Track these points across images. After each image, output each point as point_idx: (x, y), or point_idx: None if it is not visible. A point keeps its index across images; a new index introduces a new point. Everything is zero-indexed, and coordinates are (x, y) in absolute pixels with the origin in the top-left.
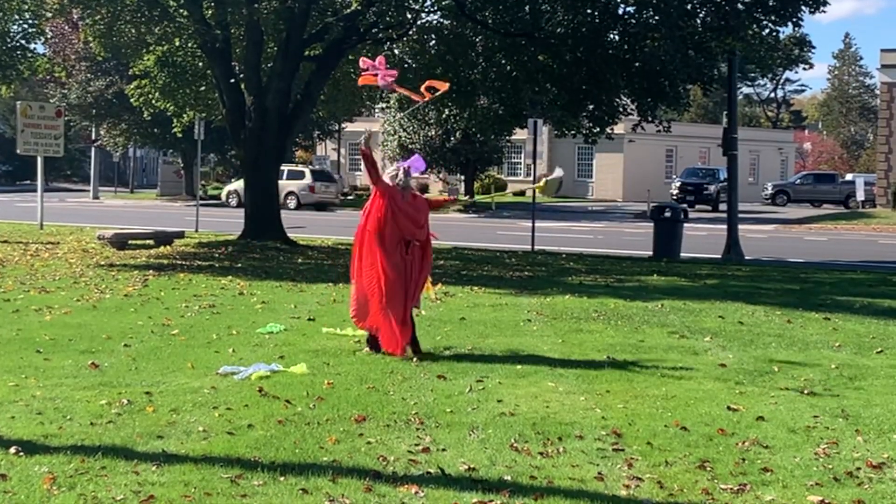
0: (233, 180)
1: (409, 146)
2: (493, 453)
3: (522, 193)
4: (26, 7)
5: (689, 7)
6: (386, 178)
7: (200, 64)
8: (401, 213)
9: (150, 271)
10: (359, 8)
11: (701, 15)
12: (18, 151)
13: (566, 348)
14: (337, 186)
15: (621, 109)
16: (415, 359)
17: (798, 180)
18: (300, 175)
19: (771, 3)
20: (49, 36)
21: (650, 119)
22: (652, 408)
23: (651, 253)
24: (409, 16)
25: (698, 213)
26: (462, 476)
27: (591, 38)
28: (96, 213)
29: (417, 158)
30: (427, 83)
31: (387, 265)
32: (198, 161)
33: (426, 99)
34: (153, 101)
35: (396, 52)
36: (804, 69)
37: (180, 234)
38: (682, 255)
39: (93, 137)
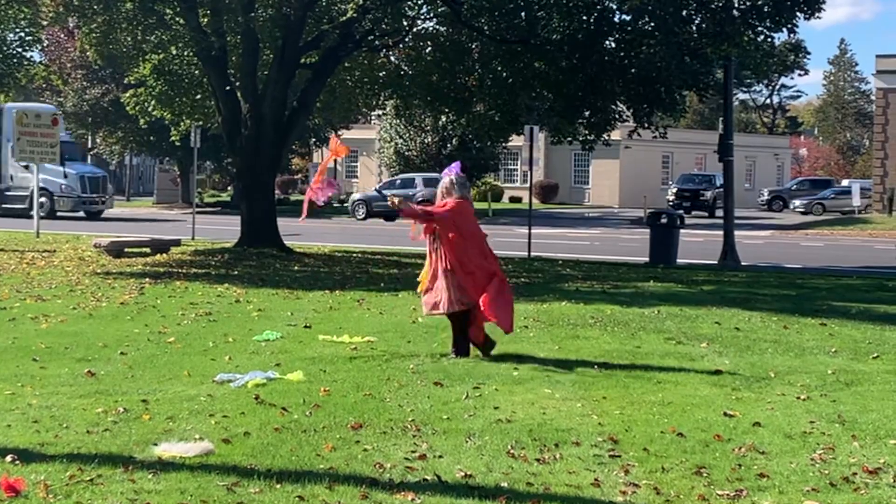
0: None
1: (406, 153)
2: (489, 460)
3: None
4: (23, 16)
5: (684, 14)
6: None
7: (196, 72)
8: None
9: (147, 279)
10: (354, 15)
11: (696, 21)
12: (14, 160)
13: (563, 355)
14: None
15: (617, 116)
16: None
17: (794, 186)
18: None
19: (766, 10)
20: (45, 44)
21: (646, 125)
22: (648, 414)
23: (647, 259)
24: (405, 23)
25: (695, 219)
26: (459, 483)
27: (587, 44)
28: (93, 221)
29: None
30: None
31: None
32: (194, 169)
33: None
34: (149, 110)
35: (393, 59)
36: (800, 75)
37: (177, 242)
38: (678, 261)
39: (89, 145)
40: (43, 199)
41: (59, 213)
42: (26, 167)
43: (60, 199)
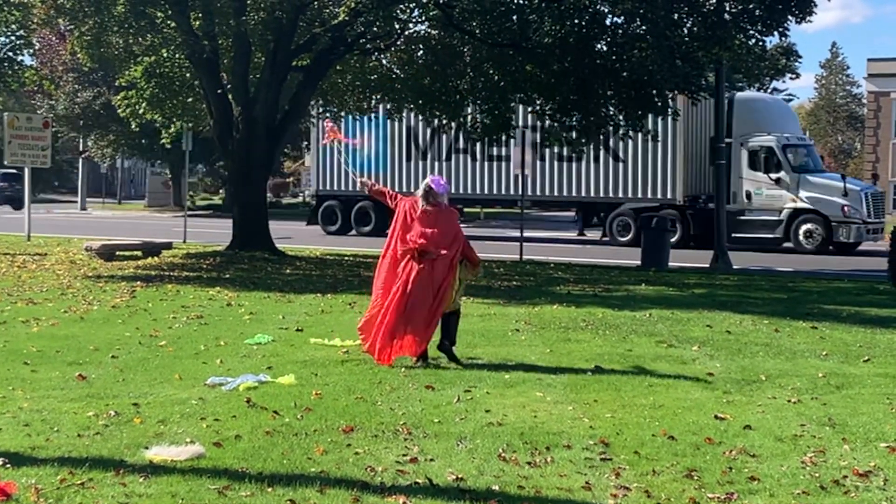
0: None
1: None
2: (480, 463)
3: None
4: (13, 18)
5: (676, 17)
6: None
7: (188, 75)
8: (416, 224)
9: (138, 282)
10: (346, 19)
11: (688, 25)
12: (6, 163)
13: (554, 358)
14: None
15: (609, 119)
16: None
17: None
18: None
19: (757, 13)
20: (37, 47)
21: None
22: (639, 417)
23: (639, 262)
24: (396, 26)
25: None
26: (450, 486)
27: (578, 47)
28: (84, 224)
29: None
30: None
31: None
32: (185, 172)
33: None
34: (141, 112)
35: (384, 62)
36: (791, 79)
37: (168, 245)
38: (670, 264)
39: (80, 148)
40: (811, 226)
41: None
42: (777, 181)
43: (841, 227)
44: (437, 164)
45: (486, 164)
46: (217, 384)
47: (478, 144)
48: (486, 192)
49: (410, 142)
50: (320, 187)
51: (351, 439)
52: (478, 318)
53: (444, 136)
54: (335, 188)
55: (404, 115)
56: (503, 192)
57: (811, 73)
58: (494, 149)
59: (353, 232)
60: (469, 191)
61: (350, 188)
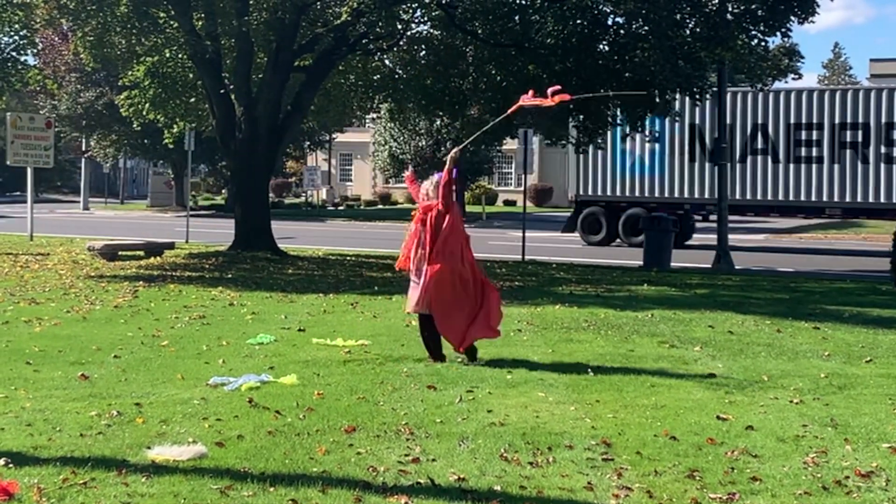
0: None
1: (400, 156)
2: (482, 463)
3: None
4: (16, 19)
5: (678, 17)
6: (425, 190)
7: (191, 75)
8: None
9: (141, 282)
10: (349, 19)
11: (690, 25)
12: (8, 162)
13: (556, 358)
14: None
15: (611, 119)
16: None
17: None
18: None
19: (760, 14)
20: (40, 47)
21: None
22: (641, 417)
23: (641, 263)
24: (399, 27)
25: None
26: (452, 486)
27: (580, 48)
28: (86, 224)
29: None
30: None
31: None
32: (188, 172)
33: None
34: (143, 112)
35: (387, 62)
36: (794, 79)
37: (170, 245)
38: (672, 264)
39: (83, 148)
40: None
41: None
42: None
43: None
44: (727, 166)
45: (790, 166)
46: (219, 384)
47: (781, 145)
48: (790, 198)
49: (694, 141)
50: (580, 192)
51: (353, 439)
52: None
53: (739, 135)
54: (598, 192)
55: (686, 111)
56: (812, 198)
57: (814, 73)
58: (802, 149)
59: (619, 242)
60: (769, 197)
61: (618, 193)
